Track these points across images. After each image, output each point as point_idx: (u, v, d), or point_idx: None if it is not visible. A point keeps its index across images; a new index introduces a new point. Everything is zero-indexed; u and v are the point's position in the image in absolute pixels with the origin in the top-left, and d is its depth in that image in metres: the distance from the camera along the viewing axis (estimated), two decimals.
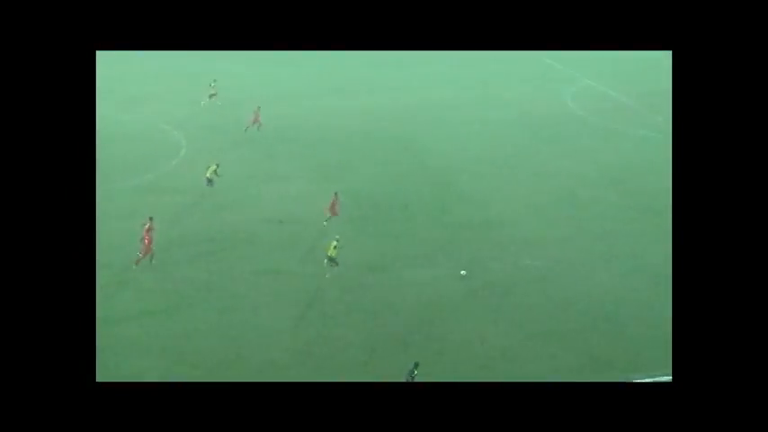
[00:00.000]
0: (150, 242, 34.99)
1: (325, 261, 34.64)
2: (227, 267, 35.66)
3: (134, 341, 29.94)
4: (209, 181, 42.65)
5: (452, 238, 38.58)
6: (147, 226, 35.46)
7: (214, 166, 42.88)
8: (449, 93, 60.91)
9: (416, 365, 27.05)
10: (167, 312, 32.04)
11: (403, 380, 26.85)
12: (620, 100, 58.71)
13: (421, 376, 26.69)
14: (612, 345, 30.30)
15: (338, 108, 57.45)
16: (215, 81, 57.47)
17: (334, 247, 34.44)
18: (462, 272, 35.33)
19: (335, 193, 39.03)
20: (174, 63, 66.17)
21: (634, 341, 30.54)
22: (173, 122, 53.90)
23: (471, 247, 37.59)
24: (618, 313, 32.47)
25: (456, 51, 71.72)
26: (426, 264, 36.31)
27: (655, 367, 28.59)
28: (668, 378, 27.90)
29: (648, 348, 29.99)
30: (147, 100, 57.17)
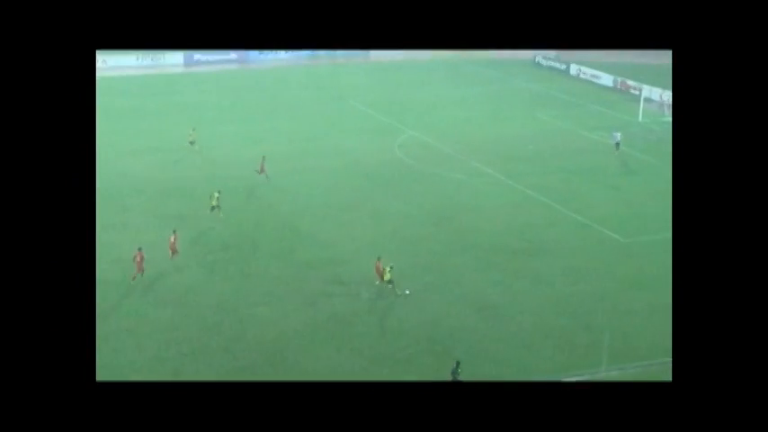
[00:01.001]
0: (142, 262, 36.94)
1: (388, 286, 36.34)
2: None
3: None
4: (213, 208, 44.14)
5: (299, 276, 38.42)
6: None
7: (216, 194, 44.47)
8: (289, 145, 60.92)
9: (458, 364, 28.37)
10: None
11: (450, 378, 28.38)
12: (439, 148, 60.56)
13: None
14: (443, 366, 30.87)
15: (185, 161, 56.35)
16: (194, 129, 58.06)
17: (389, 271, 36.28)
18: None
19: (378, 258, 37.57)
20: None
21: (462, 362, 31.23)
22: None
23: (317, 283, 37.55)
24: (447, 337, 33.17)
25: (294, 107, 72.31)
26: (275, 300, 35.97)
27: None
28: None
29: (474, 367, 30.75)
30: None
